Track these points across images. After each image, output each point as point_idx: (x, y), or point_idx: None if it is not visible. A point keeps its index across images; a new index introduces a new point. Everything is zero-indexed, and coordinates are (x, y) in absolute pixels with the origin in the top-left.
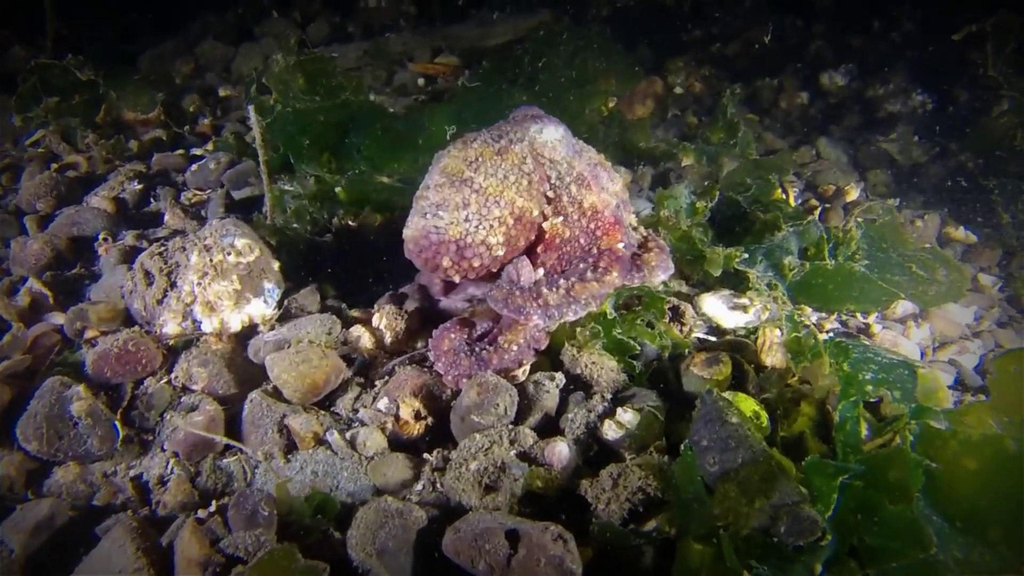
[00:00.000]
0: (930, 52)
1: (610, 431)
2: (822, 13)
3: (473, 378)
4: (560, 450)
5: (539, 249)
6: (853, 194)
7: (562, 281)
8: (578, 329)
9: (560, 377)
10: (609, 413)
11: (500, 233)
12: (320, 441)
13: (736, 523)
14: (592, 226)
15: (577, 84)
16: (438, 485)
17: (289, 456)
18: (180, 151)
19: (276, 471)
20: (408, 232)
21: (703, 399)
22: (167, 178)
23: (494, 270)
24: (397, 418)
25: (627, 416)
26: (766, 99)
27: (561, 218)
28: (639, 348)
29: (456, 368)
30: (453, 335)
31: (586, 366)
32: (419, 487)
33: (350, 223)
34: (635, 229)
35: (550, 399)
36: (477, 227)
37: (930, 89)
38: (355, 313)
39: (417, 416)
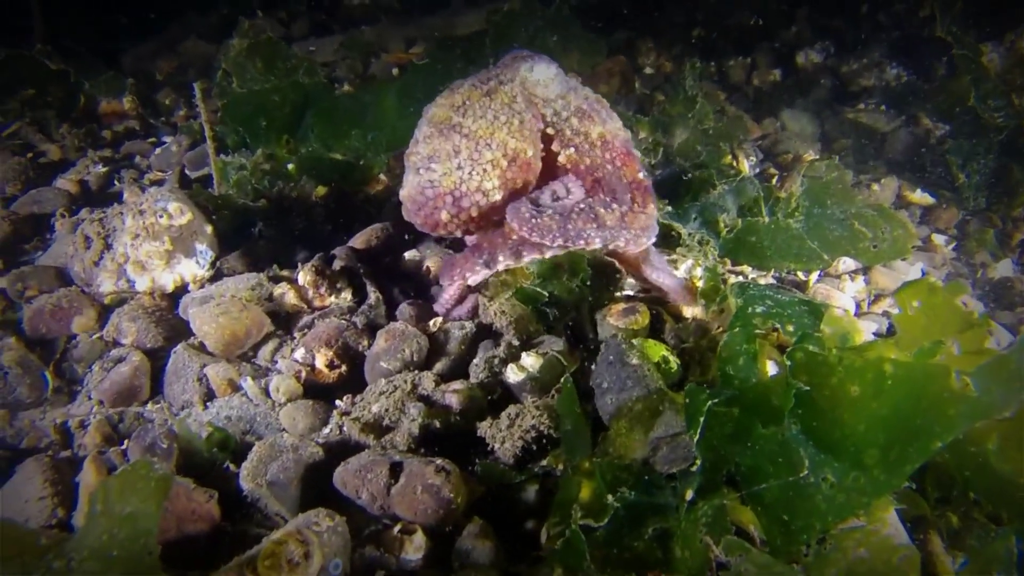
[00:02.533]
0: (914, 31)
1: (512, 375)
2: None
3: (384, 327)
4: (455, 391)
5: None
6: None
7: (615, 206)
8: (492, 279)
9: (470, 326)
10: (514, 358)
11: (495, 176)
12: (236, 388)
13: (622, 455)
14: (609, 156)
15: None
16: (344, 428)
17: (207, 404)
18: (152, 140)
19: (195, 417)
20: (404, 192)
21: (607, 343)
22: (133, 162)
23: (494, 219)
24: (313, 367)
25: (529, 360)
26: (737, 77)
27: (572, 148)
28: (546, 296)
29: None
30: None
31: (496, 314)
32: (326, 431)
33: (291, 193)
34: None
35: (458, 346)
36: (471, 173)
37: (907, 64)
38: (282, 272)
39: (331, 365)
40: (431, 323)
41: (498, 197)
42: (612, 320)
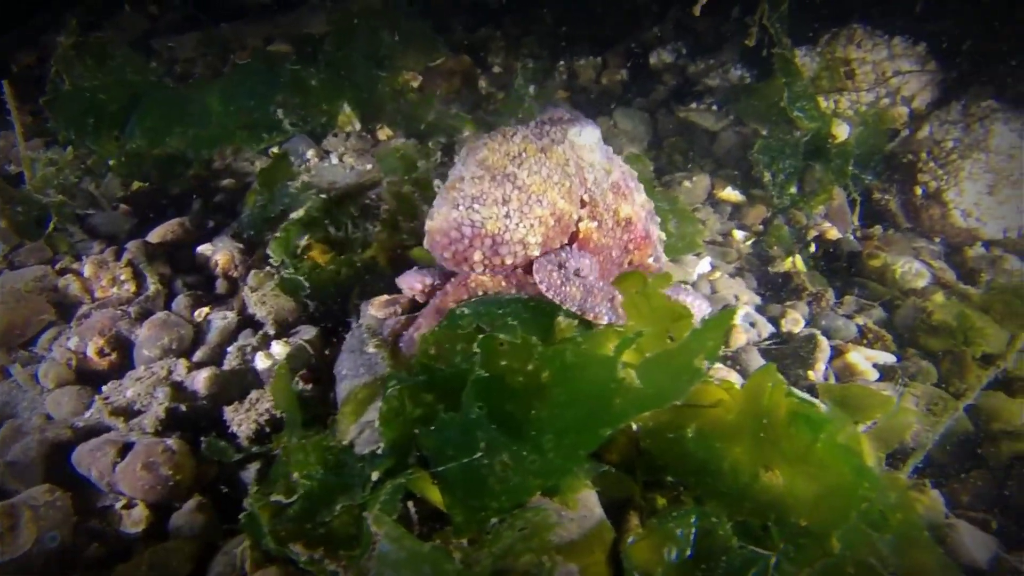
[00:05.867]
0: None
1: (259, 362)
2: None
3: (152, 316)
4: (202, 377)
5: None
6: None
7: None
8: (253, 272)
9: (232, 316)
10: (265, 346)
11: (540, 233)
12: (6, 375)
13: (340, 438)
14: (625, 238)
15: (374, 62)
16: (103, 413)
17: None
18: None
19: None
20: (434, 224)
21: (352, 332)
22: None
23: (521, 268)
24: (84, 355)
25: (277, 348)
26: (587, 76)
27: (596, 224)
28: (307, 288)
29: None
30: None
31: (256, 304)
32: (87, 414)
33: (92, 190)
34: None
35: (219, 335)
36: (518, 224)
37: (751, 66)
38: (73, 264)
39: (101, 353)
40: (196, 313)
41: (536, 252)
42: (373, 311)
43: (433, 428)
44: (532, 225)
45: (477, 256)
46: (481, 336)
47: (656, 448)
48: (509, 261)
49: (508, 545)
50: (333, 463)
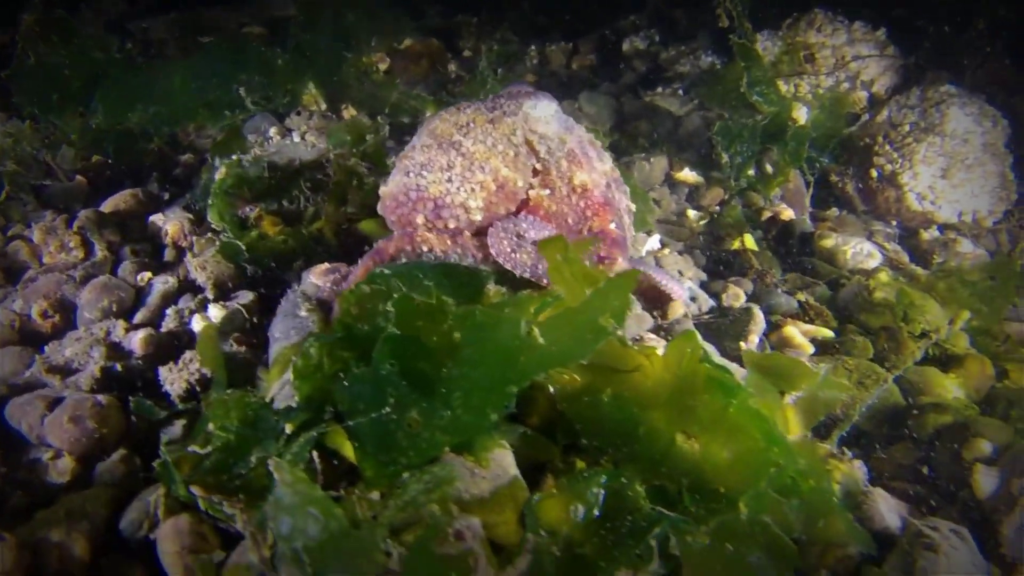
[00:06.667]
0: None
1: (196, 324)
2: None
3: (92, 280)
4: (138, 338)
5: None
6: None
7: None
8: (195, 238)
9: (172, 280)
10: (202, 309)
11: (480, 198)
12: None
13: (262, 395)
14: (581, 204)
15: (339, 42)
16: (40, 371)
17: None
18: None
19: None
20: (385, 189)
21: (286, 297)
22: None
23: (469, 233)
24: (29, 317)
25: (214, 312)
26: (558, 61)
27: (548, 191)
28: (245, 253)
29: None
30: None
31: (197, 269)
32: (27, 373)
33: (49, 161)
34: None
35: (159, 298)
36: (458, 188)
37: (723, 52)
38: (24, 231)
39: (44, 315)
40: (139, 277)
41: (478, 217)
42: (314, 278)
43: (346, 383)
44: (473, 190)
45: (420, 219)
46: (396, 296)
47: (573, 412)
48: (452, 225)
49: (411, 497)
50: (252, 418)
